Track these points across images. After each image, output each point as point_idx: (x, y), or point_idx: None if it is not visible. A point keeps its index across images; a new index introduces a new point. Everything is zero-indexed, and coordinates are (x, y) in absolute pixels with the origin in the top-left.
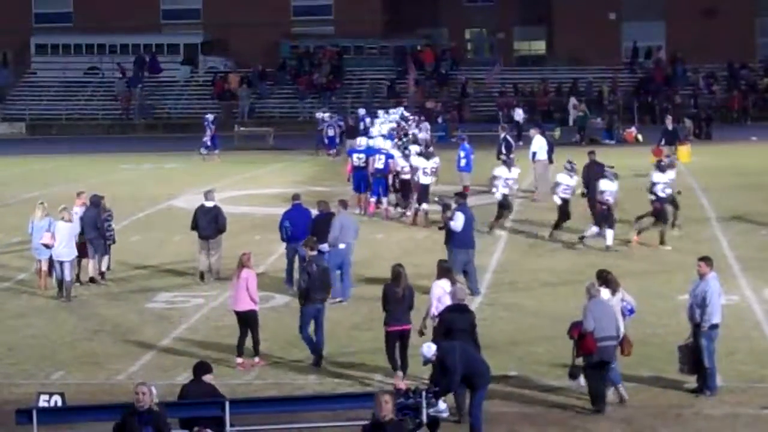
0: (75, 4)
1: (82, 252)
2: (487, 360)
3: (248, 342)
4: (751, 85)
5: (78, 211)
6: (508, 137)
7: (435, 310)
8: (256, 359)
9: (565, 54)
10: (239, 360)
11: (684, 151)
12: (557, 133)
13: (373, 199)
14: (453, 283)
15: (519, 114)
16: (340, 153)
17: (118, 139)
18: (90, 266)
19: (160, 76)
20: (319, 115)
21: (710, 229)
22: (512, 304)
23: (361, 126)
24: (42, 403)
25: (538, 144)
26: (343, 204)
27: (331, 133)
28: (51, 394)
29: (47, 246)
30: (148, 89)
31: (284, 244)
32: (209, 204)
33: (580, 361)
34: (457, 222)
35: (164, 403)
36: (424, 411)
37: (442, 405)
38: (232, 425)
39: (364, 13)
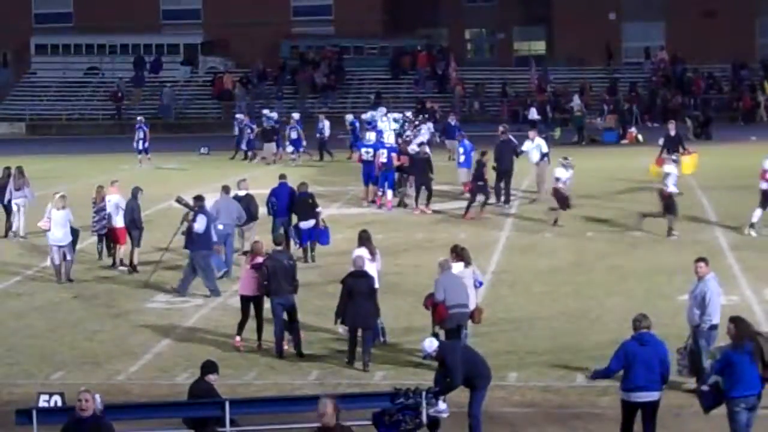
0: (75, 5)
1: (114, 238)
2: (487, 360)
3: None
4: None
5: (112, 198)
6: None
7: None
8: (259, 342)
9: (565, 54)
10: (238, 339)
11: (687, 163)
12: (557, 133)
13: (379, 192)
14: (372, 252)
15: (533, 113)
16: (256, 156)
17: (118, 139)
18: (135, 254)
19: (160, 76)
20: (239, 116)
21: (710, 229)
22: (512, 304)
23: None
24: (42, 404)
25: (533, 145)
26: (225, 189)
27: (250, 134)
28: (51, 395)
29: (45, 230)
30: (148, 89)
31: (271, 219)
32: (241, 193)
33: (438, 328)
34: (200, 224)
35: (163, 402)
36: (424, 411)
37: (442, 405)
38: (232, 425)
39: (364, 14)
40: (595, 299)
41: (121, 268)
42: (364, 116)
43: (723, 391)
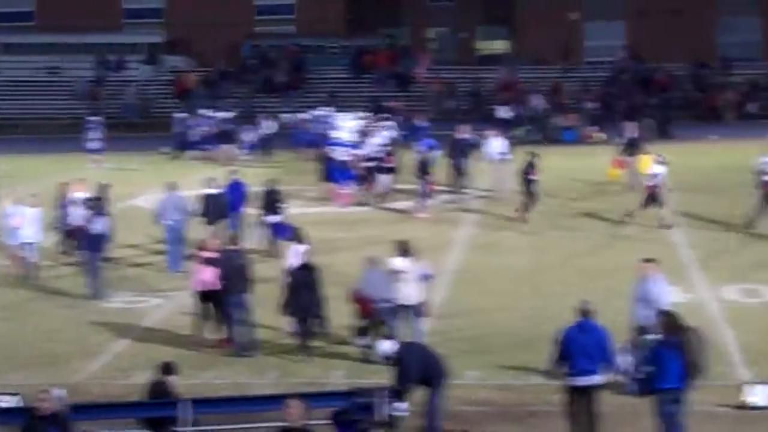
0: (37, 4)
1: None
2: (446, 359)
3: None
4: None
5: (78, 197)
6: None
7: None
8: (219, 337)
9: (527, 53)
10: (196, 337)
11: (645, 161)
12: (521, 131)
13: (339, 189)
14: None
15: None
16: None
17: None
18: None
19: (122, 76)
20: (180, 115)
21: (668, 228)
22: (471, 303)
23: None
24: (1, 404)
25: (494, 144)
26: (171, 185)
27: (194, 135)
28: (10, 395)
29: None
30: (111, 89)
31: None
32: (213, 191)
33: (363, 323)
34: (99, 225)
35: (122, 402)
36: (383, 410)
37: (400, 404)
38: (191, 425)
39: (327, 13)
40: (555, 297)
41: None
42: (301, 115)
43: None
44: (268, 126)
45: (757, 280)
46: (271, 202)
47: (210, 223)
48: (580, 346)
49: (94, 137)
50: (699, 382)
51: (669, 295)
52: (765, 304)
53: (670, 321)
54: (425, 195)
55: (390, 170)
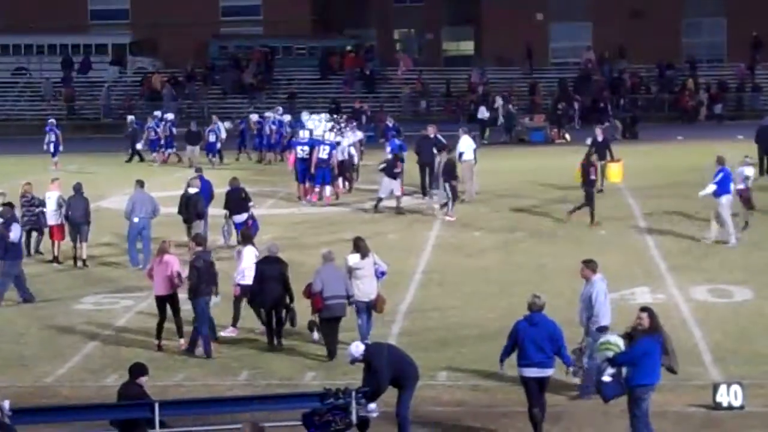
0: (1, 4)
1: (52, 234)
2: (416, 360)
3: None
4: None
5: (52, 196)
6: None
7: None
8: (182, 341)
9: (492, 54)
10: (182, 341)
11: (614, 170)
12: (486, 133)
13: (317, 188)
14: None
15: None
16: (169, 157)
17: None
18: (84, 249)
19: (88, 77)
20: (131, 117)
21: (636, 229)
22: (441, 304)
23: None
24: None
25: (465, 144)
26: (140, 183)
27: (153, 135)
28: None
29: None
30: (77, 90)
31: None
32: (192, 191)
33: (315, 317)
34: (15, 233)
35: (92, 405)
36: (354, 411)
37: (372, 405)
38: (161, 427)
39: (293, 14)
40: (523, 298)
41: (56, 265)
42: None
43: (627, 380)
44: (218, 129)
45: (726, 281)
46: (237, 200)
47: (187, 222)
48: (530, 339)
49: (50, 140)
50: (666, 384)
51: (603, 297)
52: (734, 304)
53: (654, 317)
54: (453, 198)
55: (397, 175)
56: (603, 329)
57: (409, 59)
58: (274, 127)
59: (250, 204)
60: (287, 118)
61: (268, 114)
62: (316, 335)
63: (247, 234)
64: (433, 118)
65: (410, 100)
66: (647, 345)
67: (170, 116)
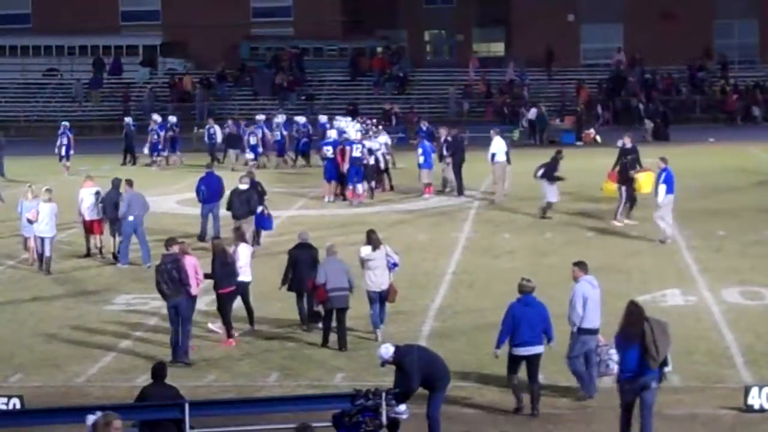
0: (33, 6)
1: (91, 229)
2: (447, 361)
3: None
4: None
5: (88, 191)
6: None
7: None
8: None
9: (523, 55)
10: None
11: (644, 181)
12: (516, 134)
13: (350, 187)
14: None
15: (533, 113)
16: (169, 160)
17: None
18: (111, 243)
19: (119, 78)
20: (154, 117)
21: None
22: (471, 305)
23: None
24: (1, 407)
25: (497, 146)
26: (129, 183)
27: (155, 139)
28: (9, 397)
29: (30, 221)
30: (108, 91)
31: (201, 205)
32: (243, 186)
33: (319, 307)
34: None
35: (121, 405)
36: (384, 412)
37: (401, 406)
38: (191, 427)
39: (324, 15)
40: (555, 299)
41: (100, 257)
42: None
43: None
44: (214, 132)
45: (758, 283)
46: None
47: (236, 218)
48: (524, 319)
49: (62, 143)
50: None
51: (580, 298)
52: (767, 306)
53: (630, 312)
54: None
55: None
56: (587, 332)
57: (476, 60)
58: (285, 132)
59: (265, 198)
60: (282, 118)
61: (277, 119)
62: (320, 325)
63: (240, 233)
64: (475, 118)
65: (455, 102)
66: (618, 342)
67: (173, 119)
